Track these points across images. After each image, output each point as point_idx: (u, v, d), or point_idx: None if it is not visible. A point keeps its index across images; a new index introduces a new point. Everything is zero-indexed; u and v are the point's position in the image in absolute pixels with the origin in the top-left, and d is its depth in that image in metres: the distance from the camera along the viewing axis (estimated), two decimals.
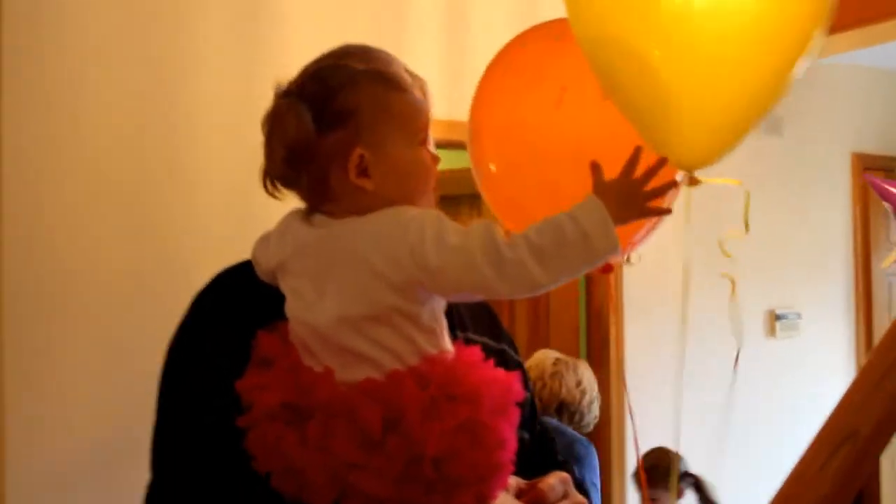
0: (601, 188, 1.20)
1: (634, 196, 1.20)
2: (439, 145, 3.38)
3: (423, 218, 1.19)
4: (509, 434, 1.21)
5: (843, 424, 1.47)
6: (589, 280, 3.93)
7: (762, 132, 4.55)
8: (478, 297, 1.25)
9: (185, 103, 3.10)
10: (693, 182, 1.55)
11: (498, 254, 1.15)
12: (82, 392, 2.89)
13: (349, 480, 1.14)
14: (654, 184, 1.21)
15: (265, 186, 1.27)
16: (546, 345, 3.97)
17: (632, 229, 1.87)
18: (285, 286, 1.26)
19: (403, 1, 3.53)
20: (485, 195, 2.17)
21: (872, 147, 4.93)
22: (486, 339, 1.41)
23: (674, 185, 1.20)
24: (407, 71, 1.29)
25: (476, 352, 1.26)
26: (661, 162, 1.24)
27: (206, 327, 1.33)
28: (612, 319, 3.91)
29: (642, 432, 4.03)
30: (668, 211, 1.29)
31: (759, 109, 1.48)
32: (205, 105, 3.09)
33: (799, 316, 4.59)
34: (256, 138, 1.28)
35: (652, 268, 4.07)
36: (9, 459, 2.77)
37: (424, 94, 1.30)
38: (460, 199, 4.34)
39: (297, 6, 3.31)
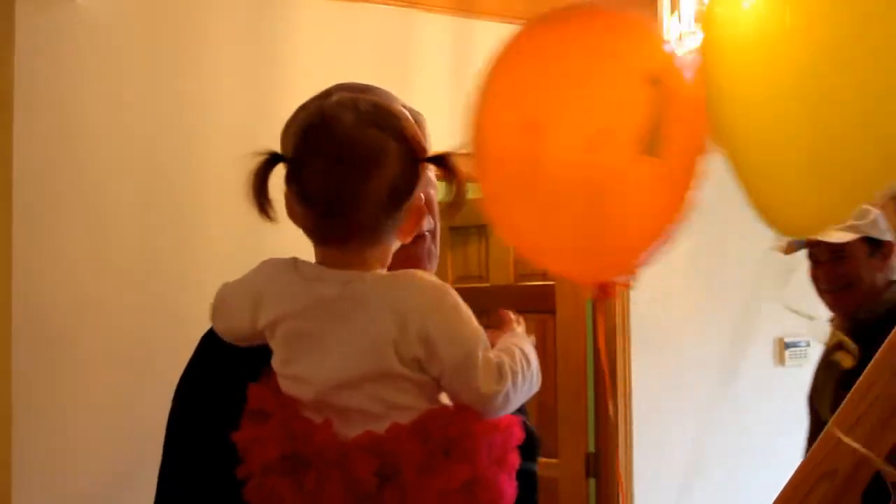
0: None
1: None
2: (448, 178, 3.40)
3: (435, 292, 1.25)
4: (507, 485, 1.24)
5: (820, 463, 1.49)
6: (595, 311, 3.94)
7: None
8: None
9: (194, 164, 3.15)
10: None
11: (498, 388, 1.23)
12: (92, 444, 2.93)
13: None
14: None
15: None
16: (553, 374, 3.99)
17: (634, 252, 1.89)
18: (278, 343, 1.26)
19: (411, 35, 3.57)
20: None
21: None
22: None
23: None
24: None
25: None
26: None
27: (209, 368, 1.37)
28: (619, 350, 3.91)
29: (649, 463, 4.05)
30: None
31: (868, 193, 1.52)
32: (213, 166, 3.13)
33: (808, 344, 4.57)
34: None
35: (659, 298, 4.08)
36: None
37: None
38: (468, 229, 4.39)
39: (306, 49, 3.36)
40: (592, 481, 3.91)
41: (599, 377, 3.93)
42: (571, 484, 3.89)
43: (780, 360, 4.49)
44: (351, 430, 1.20)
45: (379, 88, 1.47)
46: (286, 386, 1.25)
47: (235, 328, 1.31)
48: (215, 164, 3.13)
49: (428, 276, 1.27)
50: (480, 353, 1.21)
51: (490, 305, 4.32)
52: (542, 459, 3.90)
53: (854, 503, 1.51)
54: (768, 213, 1.60)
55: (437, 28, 3.62)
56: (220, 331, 1.33)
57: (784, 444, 4.34)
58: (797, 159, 1.51)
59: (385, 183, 1.21)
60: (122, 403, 2.94)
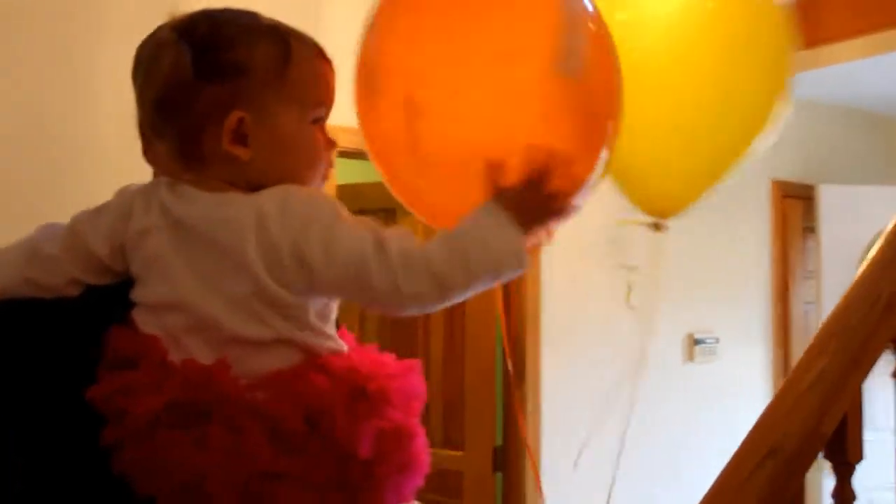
0: (502, 197, 1.08)
1: (538, 205, 1.09)
2: (351, 155, 3.27)
3: (318, 208, 1.07)
4: (420, 429, 1.12)
5: (765, 440, 1.38)
6: (507, 303, 3.84)
7: None
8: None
9: (82, 116, 2.94)
10: (659, 228, 1.55)
11: (394, 279, 1.04)
12: None
13: (264, 493, 0.99)
14: (559, 185, 1.09)
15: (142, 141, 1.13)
16: (461, 366, 3.87)
17: None
18: (141, 263, 1.09)
19: (319, 5, 3.41)
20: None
21: (791, 175, 4.94)
22: None
23: (581, 185, 1.17)
24: (317, 44, 1.16)
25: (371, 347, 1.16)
26: (568, 161, 1.10)
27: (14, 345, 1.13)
28: (528, 343, 3.82)
29: (555, 458, 3.96)
30: (574, 208, 1.14)
31: (725, 166, 1.59)
32: (104, 119, 2.93)
33: (717, 341, 4.55)
34: None
35: (571, 292, 4.01)
36: None
37: (332, 73, 1.17)
38: (375, 213, 4.22)
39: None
40: (499, 475, 3.80)
41: (507, 373, 3.83)
42: (478, 477, 3.77)
43: (690, 357, 4.47)
44: (237, 368, 1.03)
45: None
46: (148, 321, 1.06)
47: (89, 237, 1.12)
48: (105, 117, 2.92)
49: (300, 188, 1.10)
50: (371, 255, 1.04)
51: None
52: (448, 452, 3.79)
53: (800, 482, 1.40)
54: (635, 194, 1.60)
55: None
56: (74, 232, 1.13)
57: (692, 439, 4.33)
58: (660, 140, 1.56)
59: (152, 82, 1.11)
60: None
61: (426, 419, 3.61)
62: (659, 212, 1.63)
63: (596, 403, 3.99)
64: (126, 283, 1.11)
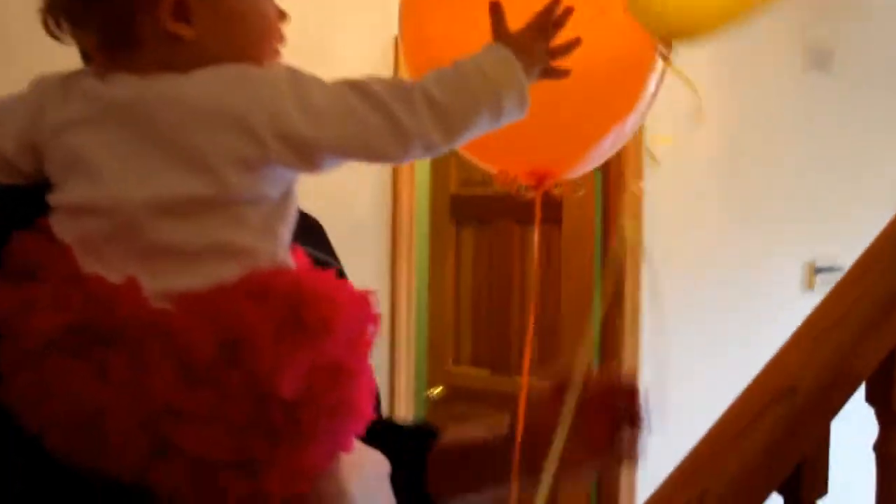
0: (504, 36, 1.05)
1: (539, 52, 1.06)
2: None
3: (276, 77, 0.96)
4: (367, 367, 0.99)
5: (777, 379, 1.18)
6: (606, 225, 3.64)
7: (807, 66, 4.13)
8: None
9: None
10: (666, 59, 1.34)
11: (390, 114, 0.96)
12: None
13: (168, 435, 0.87)
14: (559, 41, 1.07)
15: (47, 26, 0.99)
16: (558, 293, 3.70)
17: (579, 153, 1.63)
18: (60, 162, 0.97)
19: None
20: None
21: None
22: (308, 249, 1.11)
23: (577, 42, 1.07)
24: None
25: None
26: (568, 12, 1.07)
27: None
28: (628, 266, 3.61)
29: (655, 391, 3.74)
30: (567, 73, 1.10)
31: None
32: None
33: (842, 270, 4.20)
34: None
35: (676, 210, 3.75)
36: None
37: None
38: None
39: None
40: None
41: (607, 296, 3.64)
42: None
43: (810, 286, 4.12)
44: (162, 283, 0.91)
45: None
46: (66, 227, 0.95)
47: None
48: None
49: (251, 65, 0.98)
50: (357, 100, 0.96)
51: (492, 215, 4.03)
52: (539, 381, 3.64)
53: (822, 428, 1.19)
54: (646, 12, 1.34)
55: None
56: None
57: None
58: None
59: None
60: None
61: (522, 346, 3.38)
62: (668, 31, 1.38)
63: (702, 333, 3.76)
64: (41, 184, 0.99)
